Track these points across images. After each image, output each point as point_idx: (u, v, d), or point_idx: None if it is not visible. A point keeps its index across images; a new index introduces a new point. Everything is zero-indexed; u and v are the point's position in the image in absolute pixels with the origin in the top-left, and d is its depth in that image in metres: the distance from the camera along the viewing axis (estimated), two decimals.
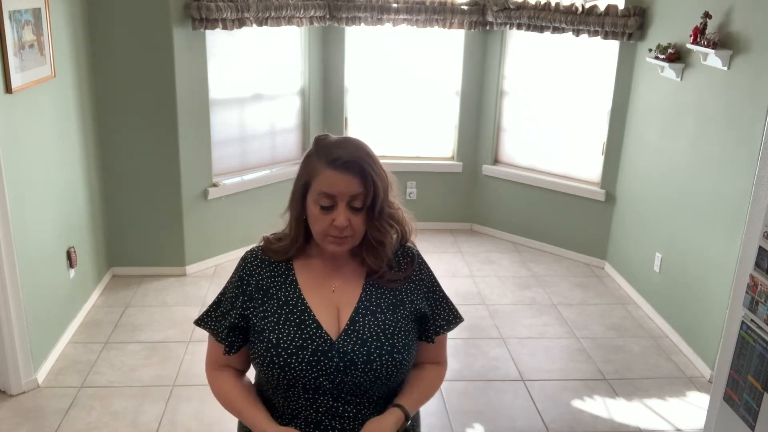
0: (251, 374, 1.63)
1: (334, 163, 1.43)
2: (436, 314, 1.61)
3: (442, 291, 1.64)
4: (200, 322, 1.61)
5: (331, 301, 1.52)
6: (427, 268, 1.64)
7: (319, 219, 1.45)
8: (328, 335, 1.47)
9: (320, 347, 1.45)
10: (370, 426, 1.45)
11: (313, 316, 1.49)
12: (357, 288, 1.54)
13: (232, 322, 1.54)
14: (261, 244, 1.60)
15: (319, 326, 1.47)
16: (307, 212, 1.49)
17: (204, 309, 1.62)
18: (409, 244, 1.61)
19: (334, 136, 1.51)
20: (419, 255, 1.63)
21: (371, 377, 1.46)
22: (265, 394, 1.55)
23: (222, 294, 1.60)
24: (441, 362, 1.67)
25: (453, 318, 1.64)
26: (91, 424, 3.20)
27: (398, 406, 1.50)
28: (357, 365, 1.45)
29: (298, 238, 1.53)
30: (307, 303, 1.50)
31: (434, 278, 1.64)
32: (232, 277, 1.59)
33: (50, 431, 3.14)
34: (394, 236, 1.55)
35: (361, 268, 1.56)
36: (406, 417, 1.50)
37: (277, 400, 1.52)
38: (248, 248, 1.62)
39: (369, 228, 1.48)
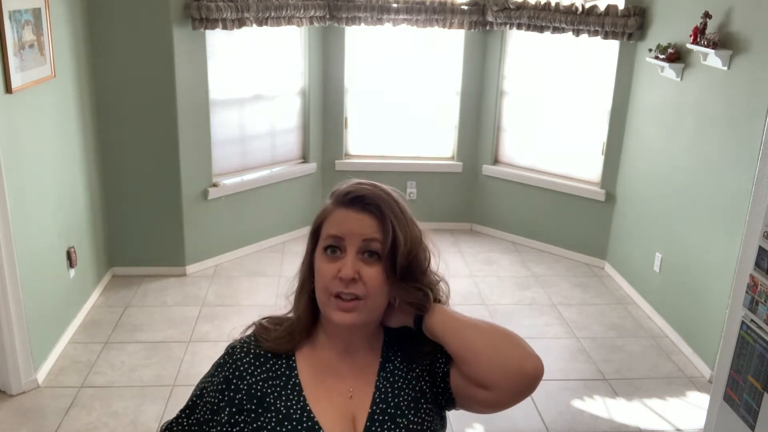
0: None
1: (344, 198, 1.17)
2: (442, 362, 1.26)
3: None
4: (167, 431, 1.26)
5: (345, 408, 1.20)
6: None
7: (323, 270, 1.16)
8: None
9: None
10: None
11: None
12: (369, 386, 1.22)
13: None
14: (251, 332, 1.26)
15: None
16: (315, 272, 1.19)
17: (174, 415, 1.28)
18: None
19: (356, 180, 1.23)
20: None
21: None
22: None
23: (198, 396, 1.23)
24: None
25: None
26: (91, 424, 3.20)
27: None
28: None
29: (305, 310, 1.22)
30: (314, 417, 1.17)
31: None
32: (213, 376, 1.22)
33: (50, 431, 3.15)
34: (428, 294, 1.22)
35: (373, 356, 1.24)
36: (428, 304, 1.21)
37: None
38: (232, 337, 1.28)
39: (393, 290, 1.19)
